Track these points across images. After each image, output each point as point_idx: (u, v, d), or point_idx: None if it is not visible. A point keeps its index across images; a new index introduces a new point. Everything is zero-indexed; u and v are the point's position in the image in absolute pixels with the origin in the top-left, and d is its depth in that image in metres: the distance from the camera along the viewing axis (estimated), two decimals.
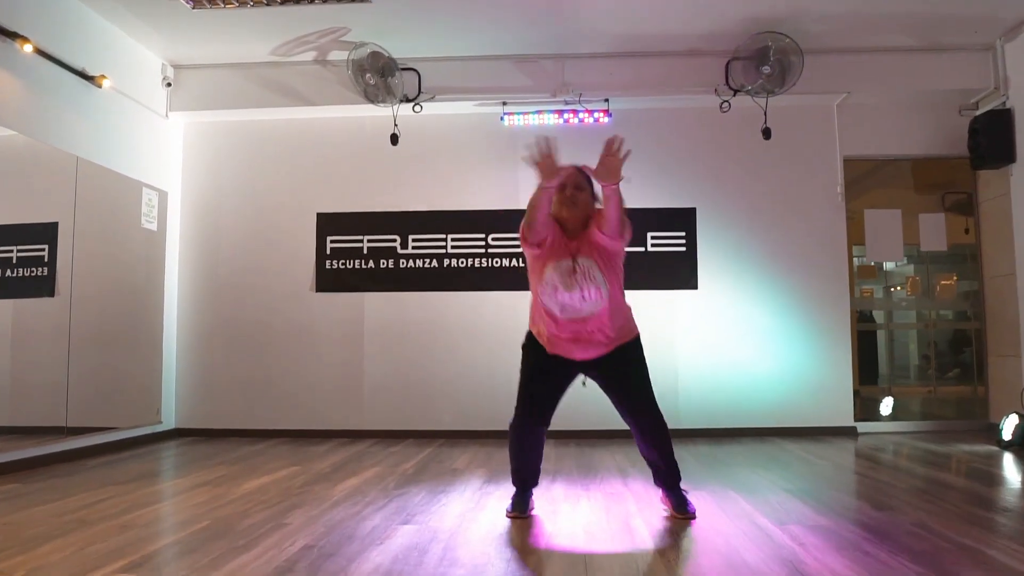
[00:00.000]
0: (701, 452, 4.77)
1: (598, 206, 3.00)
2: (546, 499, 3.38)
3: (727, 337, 5.66)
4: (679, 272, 5.67)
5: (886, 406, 6.10)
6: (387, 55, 5.28)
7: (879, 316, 6.51)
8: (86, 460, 4.64)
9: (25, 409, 4.87)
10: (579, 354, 2.99)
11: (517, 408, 3.07)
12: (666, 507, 3.09)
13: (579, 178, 3.00)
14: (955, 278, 6.27)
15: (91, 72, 4.82)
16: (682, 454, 4.61)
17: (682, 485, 3.10)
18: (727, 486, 3.63)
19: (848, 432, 5.55)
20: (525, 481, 3.13)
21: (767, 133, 5.47)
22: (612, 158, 2.77)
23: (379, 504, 3.29)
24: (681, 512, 2.99)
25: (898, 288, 6.85)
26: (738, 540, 2.63)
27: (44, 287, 5.01)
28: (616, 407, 3.09)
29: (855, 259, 6.06)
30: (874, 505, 3.16)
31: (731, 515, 3.02)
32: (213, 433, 5.76)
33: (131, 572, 2.29)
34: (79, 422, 4.93)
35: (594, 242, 2.95)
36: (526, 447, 3.09)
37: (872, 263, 6.16)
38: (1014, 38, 5.32)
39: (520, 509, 3.06)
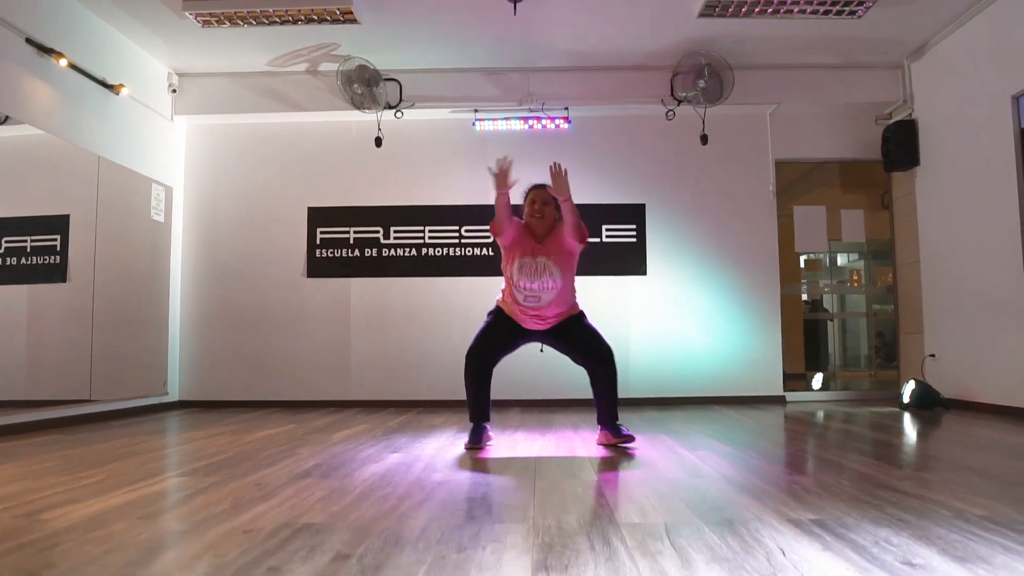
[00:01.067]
0: (648, 416, 5.52)
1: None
2: (509, 440, 4.10)
3: (673, 317, 6.42)
4: (630, 260, 6.43)
5: (816, 381, 6.91)
6: (372, 67, 5.97)
7: (829, 304, 7.33)
8: (106, 423, 5.27)
9: (42, 384, 5.43)
10: (531, 325, 3.83)
11: (470, 347, 3.85)
12: (604, 440, 3.82)
13: (546, 195, 3.79)
14: (891, 271, 7.07)
15: (111, 81, 5.45)
16: (631, 417, 5.39)
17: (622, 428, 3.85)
18: (661, 433, 4.38)
19: (778, 400, 6.35)
20: (481, 412, 3.83)
21: (704, 139, 6.25)
22: (557, 178, 3.62)
23: (371, 443, 3.99)
24: (618, 436, 3.74)
25: (841, 282, 7.67)
26: (655, 458, 3.38)
27: (56, 273, 5.60)
28: (572, 354, 3.86)
29: (801, 256, 6.88)
30: (771, 442, 3.92)
31: (656, 447, 3.77)
32: (213, 404, 6.41)
33: (187, 476, 2.97)
34: (96, 395, 5.54)
35: (559, 243, 3.78)
36: (477, 380, 3.83)
37: (817, 256, 6.97)
38: (919, 58, 6.14)
39: (476, 441, 3.77)
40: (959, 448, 3.62)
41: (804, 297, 7.11)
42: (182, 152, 6.64)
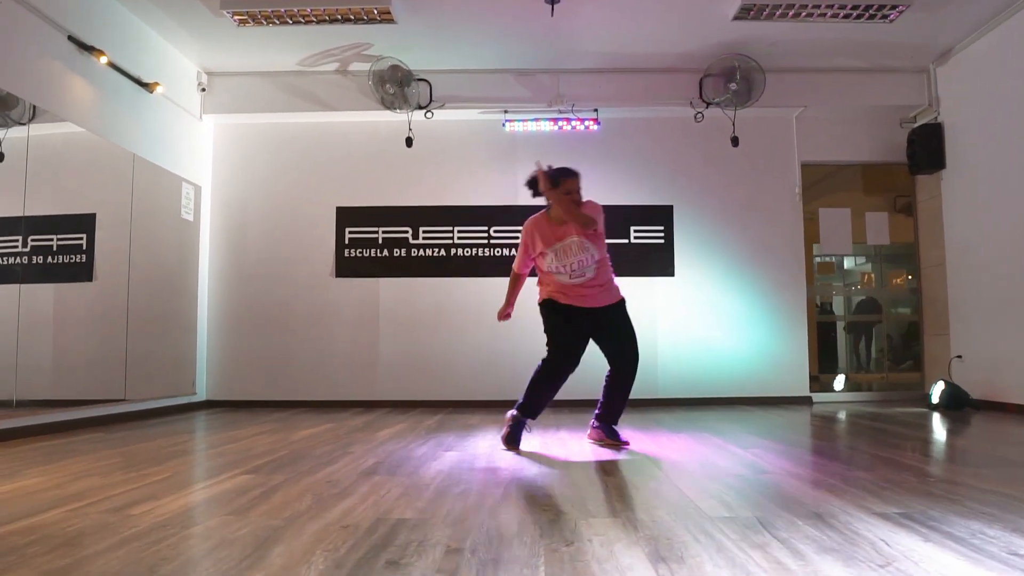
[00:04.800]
0: (680, 415, 5.55)
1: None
2: (555, 439, 4.12)
3: (700, 318, 6.45)
4: (658, 261, 6.47)
5: (839, 382, 6.95)
6: (405, 67, 6.00)
7: (838, 308, 7.38)
8: (140, 421, 5.26)
9: (70, 384, 5.37)
10: (585, 302, 3.76)
11: (552, 352, 3.77)
12: (596, 438, 3.88)
13: (579, 184, 3.77)
14: (906, 275, 7.13)
15: (145, 80, 5.46)
16: (661, 415, 5.41)
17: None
18: (704, 431, 4.41)
19: (804, 401, 6.39)
20: (535, 410, 3.78)
21: (735, 141, 6.29)
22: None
23: (420, 442, 4.00)
24: (613, 438, 3.79)
25: (856, 287, 7.72)
26: (711, 456, 3.40)
27: (82, 273, 5.58)
28: (608, 344, 3.82)
29: (816, 258, 6.94)
30: (820, 439, 3.95)
31: (707, 445, 3.79)
32: (240, 404, 6.41)
33: (253, 474, 2.98)
34: (131, 394, 5.53)
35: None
36: (554, 384, 3.77)
37: (831, 259, 7.01)
38: (944, 63, 6.19)
39: (514, 442, 3.71)
40: (1005, 446, 3.66)
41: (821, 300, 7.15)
42: (209, 151, 6.65)
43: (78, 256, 5.56)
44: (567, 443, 3.96)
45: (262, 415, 5.73)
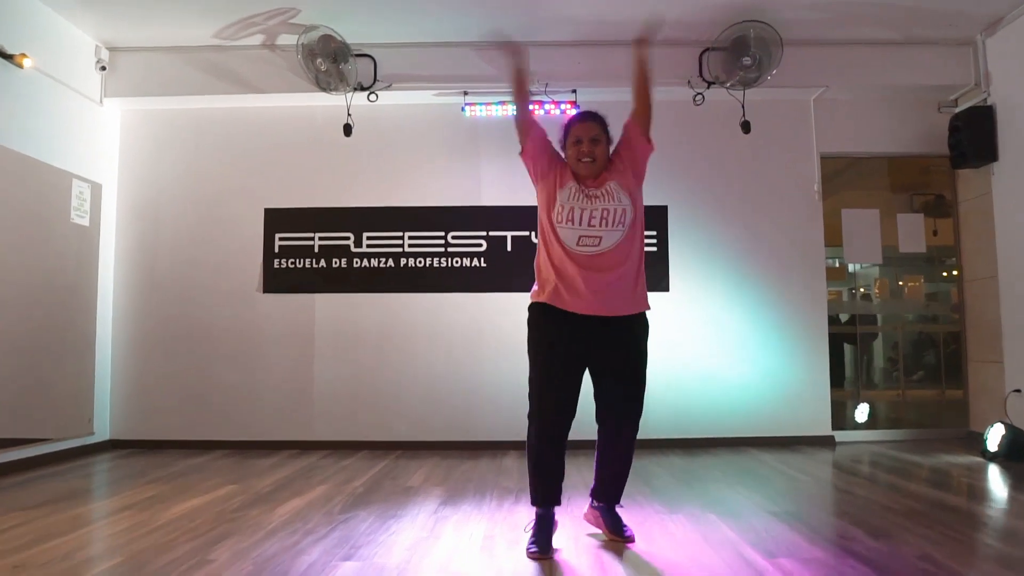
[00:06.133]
0: (675, 465, 4.49)
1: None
2: (508, 524, 3.05)
3: (700, 342, 5.39)
4: (650, 273, 5.33)
5: (862, 413, 5.87)
6: (340, 39, 4.92)
7: (844, 316, 6.30)
8: (3, 478, 4.18)
9: None
10: (587, 306, 2.63)
11: (534, 406, 2.68)
12: (594, 523, 2.88)
13: (595, 129, 2.80)
14: (922, 280, 6.09)
15: (9, 50, 4.37)
16: (654, 468, 4.36)
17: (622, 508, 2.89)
18: (707, 508, 3.33)
19: (825, 441, 5.32)
20: (552, 493, 2.70)
21: (747, 127, 5.22)
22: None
23: (320, 533, 2.92)
24: (617, 534, 2.75)
25: (862, 290, 6.63)
26: None
27: None
28: (602, 389, 2.75)
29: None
30: (870, 532, 2.88)
31: (714, 544, 2.72)
32: (150, 444, 5.33)
33: None
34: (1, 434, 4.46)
35: (622, 165, 2.82)
36: (551, 448, 2.66)
37: (837, 264, 5.90)
38: (995, 32, 5.13)
39: (543, 541, 2.61)
40: None
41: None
42: (115, 143, 5.56)
43: None
44: (517, 527, 2.87)
45: (169, 463, 4.66)
